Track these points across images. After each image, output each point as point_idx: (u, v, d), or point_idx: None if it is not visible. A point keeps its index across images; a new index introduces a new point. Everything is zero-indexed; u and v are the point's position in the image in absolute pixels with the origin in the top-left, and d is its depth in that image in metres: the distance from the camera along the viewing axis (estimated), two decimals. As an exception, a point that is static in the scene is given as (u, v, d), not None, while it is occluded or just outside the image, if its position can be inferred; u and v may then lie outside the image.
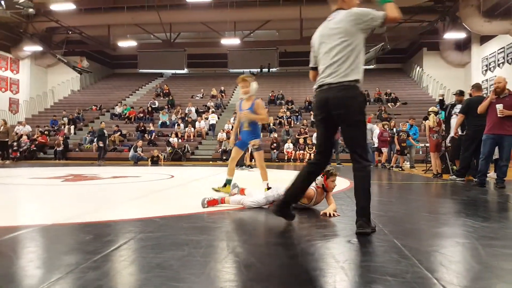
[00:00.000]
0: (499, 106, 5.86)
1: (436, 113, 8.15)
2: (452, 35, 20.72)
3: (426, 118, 17.40)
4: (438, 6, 19.52)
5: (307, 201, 3.59)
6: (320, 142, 3.00)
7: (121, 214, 3.52)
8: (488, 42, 20.29)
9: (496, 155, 6.59)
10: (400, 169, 11.53)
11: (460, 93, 8.32)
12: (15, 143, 17.64)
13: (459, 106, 8.11)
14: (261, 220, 3.34)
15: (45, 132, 20.42)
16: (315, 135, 16.46)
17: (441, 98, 9.39)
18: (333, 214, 3.35)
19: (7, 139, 15.37)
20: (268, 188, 4.43)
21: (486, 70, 20.64)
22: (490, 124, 6.04)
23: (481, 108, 6.18)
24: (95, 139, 17.26)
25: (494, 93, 6.03)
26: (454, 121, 8.14)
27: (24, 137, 19.45)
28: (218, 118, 21.98)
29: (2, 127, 15.11)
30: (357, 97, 2.80)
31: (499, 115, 5.86)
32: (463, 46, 22.89)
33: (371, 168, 2.80)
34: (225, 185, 4.75)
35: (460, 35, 20.58)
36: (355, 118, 2.76)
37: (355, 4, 2.93)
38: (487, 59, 20.55)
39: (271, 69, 28.93)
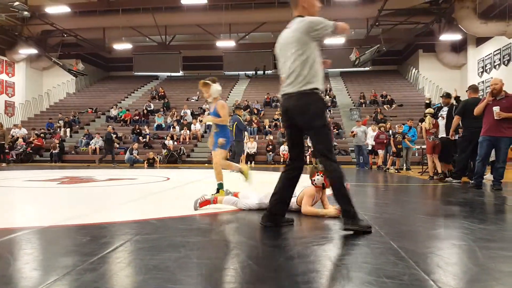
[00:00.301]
0: (496, 109, 5.87)
1: (433, 115, 8.16)
2: (448, 36, 20.83)
3: (422, 120, 17.50)
4: (434, 7, 19.60)
5: (310, 200, 3.59)
6: (289, 147, 3.08)
7: (118, 216, 3.51)
8: (484, 43, 20.42)
9: (492, 157, 6.62)
10: (397, 171, 11.56)
11: (447, 96, 8.38)
12: (6, 146, 17.55)
13: (445, 109, 8.18)
14: (258, 222, 3.33)
15: (41, 135, 20.34)
16: (310, 137, 16.52)
17: (427, 102, 9.50)
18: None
19: (3, 142, 15.30)
20: (218, 190, 4.59)
21: (482, 72, 20.76)
22: (486, 126, 6.05)
23: (477, 110, 6.19)
24: (103, 143, 17.54)
25: (491, 95, 6.04)
26: (442, 123, 8.21)
27: (20, 140, 19.38)
28: (206, 131, 21.94)
29: (-3, 130, 15.06)
30: (316, 103, 2.84)
31: (495, 118, 5.87)
32: (459, 48, 23.02)
33: (340, 168, 2.86)
34: (218, 191, 4.69)
35: (456, 36, 20.68)
36: (316, 123, 2.82)
37: (316, 11, 2.99)
38: (483, 60, 20.67)
39: (266, 72, 28.94)
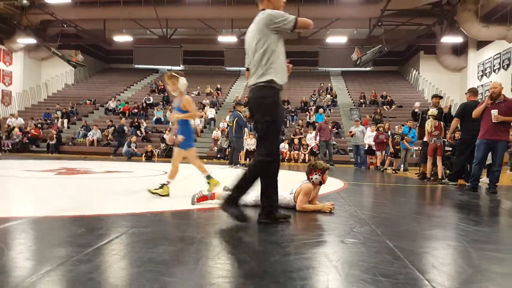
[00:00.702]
0: (494, 112, 5.88)
1: (435, 117, 8.08)
2: (449, 39, 20.85)
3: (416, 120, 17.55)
4: (436, 9, 19.61)
5: (307, 198, 3.59)
6: (256, 141, 3.09)
7: (114, 209, 3.50)
8: (484, 47, 20.44)
9: (489, 161, 6.64)
10: (394, 171, 11.57)
11: (437, 96, 8.51)
12: (3, 136, 17.49)
13: (433, 110, 8.23)
14: (255, 217, 3.33)
15: (38, 125, 20.27)
16: (309, 135, 16.48)
17: (416, 110, 9.54)
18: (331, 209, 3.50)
19: (-1, 131, 15.24)
20: (162, 186, 4.33)
21: (481, 76, 20.79)
22: (484, 129, 6.06)
23: (476, 113, 6.20)
24: (115, 135, 17.82)
25: (490, 98, 6.05)
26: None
27: (16, 130, 19.30)
28: (208, 124, 21.94)
29: (-6, 120, 15.00)
30: (267, 97, 2.85)
31: (493, 121, 5.88)
32: (459, 51, 23.03)
33: (265, 162, 2.88)
34: (208, 183, 4.60)
35: (457, 39, 20.70)
36: (263, 118, 2.84)
37: (281, 5, 3.02)
38: (483, 64, 20.69)
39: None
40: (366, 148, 13.36)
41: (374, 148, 12.72)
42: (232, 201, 2.87)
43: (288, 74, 3.06)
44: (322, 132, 13.38)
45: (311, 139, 16.21)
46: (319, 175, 3.56)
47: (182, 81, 4.52)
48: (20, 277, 1.67)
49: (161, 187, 4.31)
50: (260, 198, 3.02)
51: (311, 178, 3.57)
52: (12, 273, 1.75)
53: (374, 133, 12.71)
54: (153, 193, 4.22)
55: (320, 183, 3.63)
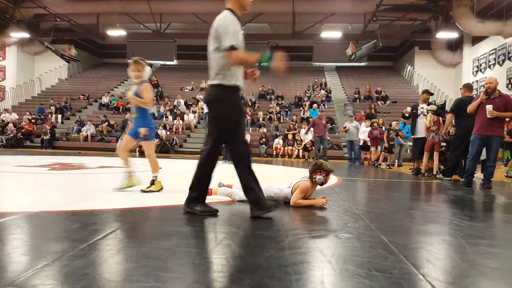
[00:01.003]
0: (489, 107, 5.89)
1: (435, 112, 8.06)
2: (445, 34, 20.85)
3: (404, 117, 17.60)
4: (432, 5, 19.61)
5: (302, 195, 3.60)
6: None
7: (108, 204, 3.48)
8: (480, 43, 20.50)
9: (483, 156, 6.67)
10: (388, 167, 11.62)
11: (426, 92, 8.57)
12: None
13: (423, 105, 8.27)
14: (248, 213, 3.34)
15: (32, 121, 20.12)
16: (302, 131, 16.47)
17: (406, 115, 9.59)
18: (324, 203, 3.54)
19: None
20: (153, 182, 4.29)
21: (477, 71, 20.86)
22: (478, 125, 6.07)
23: (470, 108, 6.21)
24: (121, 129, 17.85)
25: (485, 94, 6.06)
26: (421, 121, 8.27)
27: (10, 125, 19.15)
28: (202, 118, 21.86)
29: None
30: (217, 96, 2.97)
31: (488, 116, 5.89)
32: (455, 46, 23.08)
33: (205, 154, 3.08)
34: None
35: (453, 35, 20.70)
36: (211, 114, 3.04)
37: (248, 4, 3.08)
38: (478, 60, 20.76)
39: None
40: (361, 144, 13.39)
41: (369, 144, 12.75)
42: (195, 200, 3.00)
43: (253, 79, 3.18)
44: (316, 127, 13.35)
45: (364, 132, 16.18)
46: (324, 176, 3.56)
47: (148, 69, 4.48)
48: (15, 272, 1.66)
49: (152, 184, 4.29)
50: (244, 193, 3.09)
51: (314, 178, 3.57)
52: (8, 268, 1.74)
53: (369, 128, 12.73)
54: (147, 191, 4.20)
55: (321, 184, 3.64)
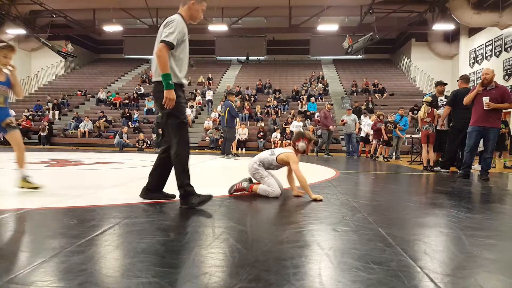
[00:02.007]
0: (486, 99, 5.88)
1: (430, 103, 8.02)
2: (441, 26, 20.81)
3: (412, 110, 17.59)
4: (428, -4, 19.57)
5: (298, 165, 3.69)
6: (162, 131, 3.36)
7: (106, 200, 3.48)
8: (476, 34, 20.49)
9: (481, 148, 6.68)
10: (386, 160, 11.64)
11: (440, 83, 8.28)
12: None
13: (442, 97, 8.14)
14: (246, 207, 3.34)
15: (30, 117, 20.06)
16: (294, 123, 16.41)
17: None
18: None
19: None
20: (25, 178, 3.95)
21: (473, 63, 20.86)
22: (475, 117, 6.07)
23: (467, 100, 6.20)
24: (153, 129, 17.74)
25: (481, 85, 6.05)
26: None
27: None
28: (205, 105, 21.85)
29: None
30: (162, 92, 3.10)
31: (485, 108, 5.89)
32: (451, 38, 23.06)
33: (184, 151, 3.20)
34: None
35: (449, 26, 20.67)
36: (162, 111, 3.21)
37: (199, 16, 3.37)
38: (475, 51, 20.75)
39: (260, 58, 28.81)
40: (362, 136, 13.36)
41: (370, 137, 12.72)
42: (189, 193, 3.13)
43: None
44: (326, 120, 13.07)
45: (297, 127, 16.11)
46: (306, 143, 3.71)
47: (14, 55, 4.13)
48: (14, 269, 1.66)
49: (27, 181, 3.92)
50: (149, 178, 3.42)
51: (297, 145, 3.70)
52: (6, 264, 1.74)
53: (372, 121, 12.72)
54: (24, 187, 3.84)
55: (304, 152, 3.78)
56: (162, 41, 3.05)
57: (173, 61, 3.17)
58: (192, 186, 3.16)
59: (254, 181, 3.89)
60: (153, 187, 3.43)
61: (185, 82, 3.31)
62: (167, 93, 3.02)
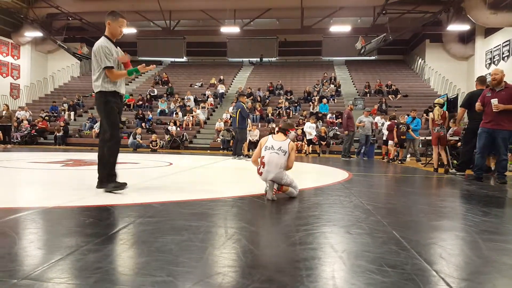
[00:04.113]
0: (494, 101, 5.78)
1: (442, 106, 7.91)
2: (456, 27, 20.49)
3: (427, 111, 17.35)
4: (443, -3, 19.33)
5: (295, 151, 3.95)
6: None
7: (121, 199, 3.52)
8: (493, 34, 20.09)
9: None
10: (400, 162, 11.52)
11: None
12: (12, 128, 17.59)
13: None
14: (259, 208, 3.34)
15: (46, 118, 20.42)
16: (307, 124, 16.28)
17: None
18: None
19: (9, 124, 15.37)
20: None
21: (490, 64, 20.48)
22: (486, 118, 6.00)
23: (477, 107, 6.15)
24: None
25: (490, 88, 5.99)
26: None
27: (25, 122, 19.48)
28: (216, 107, 21.93)
29: (5, 112, 15.10)
30: (98, 100, 3.95)
31: (494, 110, 5.79)
32: (466, 39, 22.69)
33: (113, 148, 4.01)
34: None
35: (464, 27, 20.33)
36: (100, 115, 4.03)
37: (119, 33, 4.09)
38: (491, 52, 20.37)
39: (271, 59, 28.80)
40: (384, 139, 13.12)
41: (385, 138, 12.56)
42: (107, 179, 3.92)
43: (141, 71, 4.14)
44: (350, 121, 12.77)
45: (310, 127, 15.98)
46: (295, 132, 4.11)
47: None
48: (31, 266, 1.69)
49: None
50: (98, 170, 4.03)
51: (288, 135, 3.95)
52: (23, 262, 1.78)
53: (388, 122, 12.60)
54: None
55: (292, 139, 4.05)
56: (105, 67, 3.82)
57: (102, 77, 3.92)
58: (114, 175, 3.96)
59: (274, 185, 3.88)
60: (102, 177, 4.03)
61: (121, 91, 4.04)
62: (140, 68, 4.01)
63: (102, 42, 3.92)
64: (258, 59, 28.86)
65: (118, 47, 4.14)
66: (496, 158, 6.72)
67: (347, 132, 12.83)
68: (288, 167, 3.84)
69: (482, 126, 5.98)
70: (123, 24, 4.12)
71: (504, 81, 5.95)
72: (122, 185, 3.92)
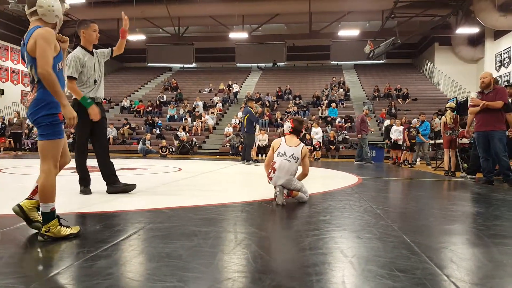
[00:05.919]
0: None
1: (453, 109, 7.89)
2: (465, 30, 20.34)
3: (437, 115, 17.19)
4: (451, 0, 19.21)
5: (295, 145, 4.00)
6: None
7: (131, 205, 3.55)
8: (502, 37, 19.90)
9: None
10: (410, 166, 11.43)
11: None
12: (23, 135, 17.83)
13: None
14: (268, 213, 3.34)
15: (56, 124, 20.67)
16: (313, 129, 16.19)
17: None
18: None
19: (21, 131, 15.58)
20: None
21: (500, 66, 20.28)
22: (478, 122, 6.05)
23: (471, 111, 6.19)
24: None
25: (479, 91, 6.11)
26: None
27: (35, 129, 19.71)
28: (225, 112, 22.00)
29: (16, 119, 15.32)
30: (73, 107, 3.76)
31: (480, 109, 5.85)
32: (476, 41, 22.51)
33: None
34: None
35: (473, 30, 20.19)
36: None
37: (94, 40, 4.35)
38: (501, 54, 20.18)
39: (278, 64, 28.88)
40: (392, 143, 13.02)
41: (400, 143, 12.44)
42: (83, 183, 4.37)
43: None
44: (364, 125, 12.62)
45: (313, 132, 15.93)
46: (290, 122, 4.19)
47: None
48: (42, 271, 1.71)
49: None
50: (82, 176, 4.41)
51: (302, 133, 4.12)
52: (34, 268, 1.80)
53: (400, 128, 12.51)
54: None
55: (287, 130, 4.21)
56: (68, 76, 3.88)
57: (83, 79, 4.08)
58: (84, 179, 4.39)
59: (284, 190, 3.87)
60: (107, 180, 4.44)
61: (98, 96, 4.24)
62: (90, 109, 3.90)
63: (76, 51, 4.14)
64: (270, 64, 28.92)
65: (96, 50, 4.45)
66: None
67: (360, 135, 12.74)
68: (303, 173, 3.90)
69: (476, 130, 6.04)
70: (96, 28, 4.33)
71: (494, 84, 5.99)
72: (89, 191, 4.36)
